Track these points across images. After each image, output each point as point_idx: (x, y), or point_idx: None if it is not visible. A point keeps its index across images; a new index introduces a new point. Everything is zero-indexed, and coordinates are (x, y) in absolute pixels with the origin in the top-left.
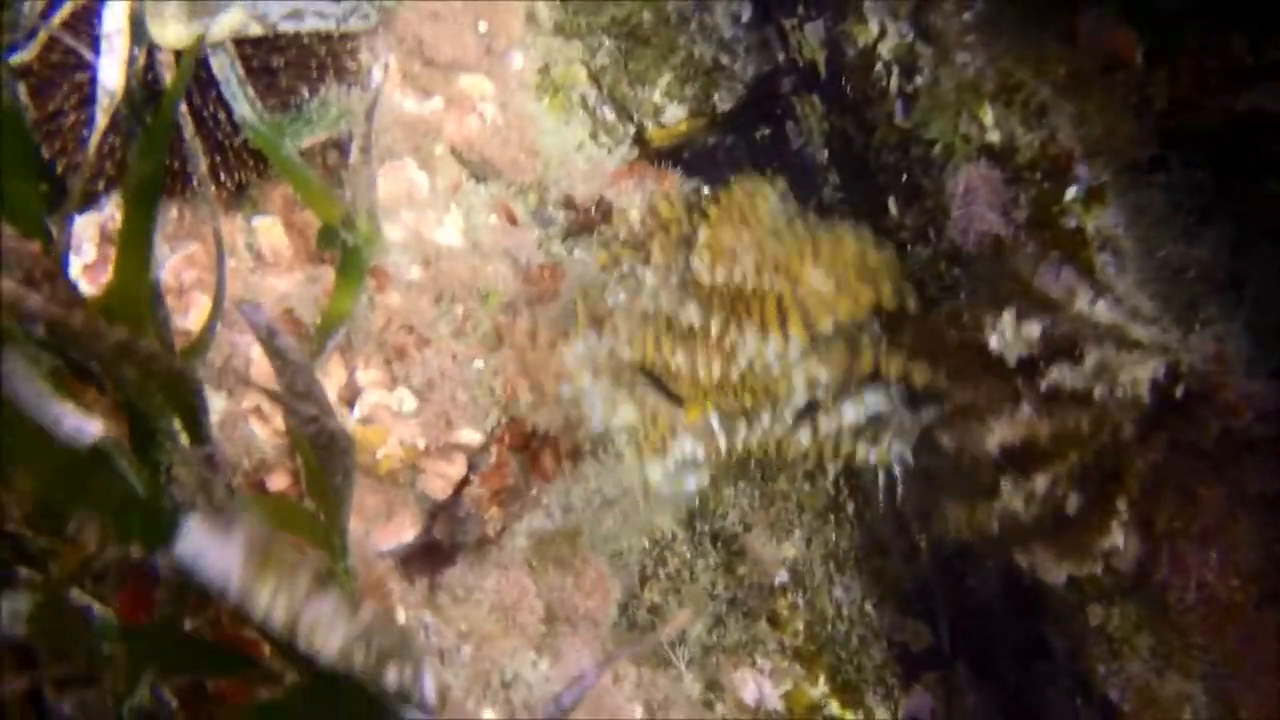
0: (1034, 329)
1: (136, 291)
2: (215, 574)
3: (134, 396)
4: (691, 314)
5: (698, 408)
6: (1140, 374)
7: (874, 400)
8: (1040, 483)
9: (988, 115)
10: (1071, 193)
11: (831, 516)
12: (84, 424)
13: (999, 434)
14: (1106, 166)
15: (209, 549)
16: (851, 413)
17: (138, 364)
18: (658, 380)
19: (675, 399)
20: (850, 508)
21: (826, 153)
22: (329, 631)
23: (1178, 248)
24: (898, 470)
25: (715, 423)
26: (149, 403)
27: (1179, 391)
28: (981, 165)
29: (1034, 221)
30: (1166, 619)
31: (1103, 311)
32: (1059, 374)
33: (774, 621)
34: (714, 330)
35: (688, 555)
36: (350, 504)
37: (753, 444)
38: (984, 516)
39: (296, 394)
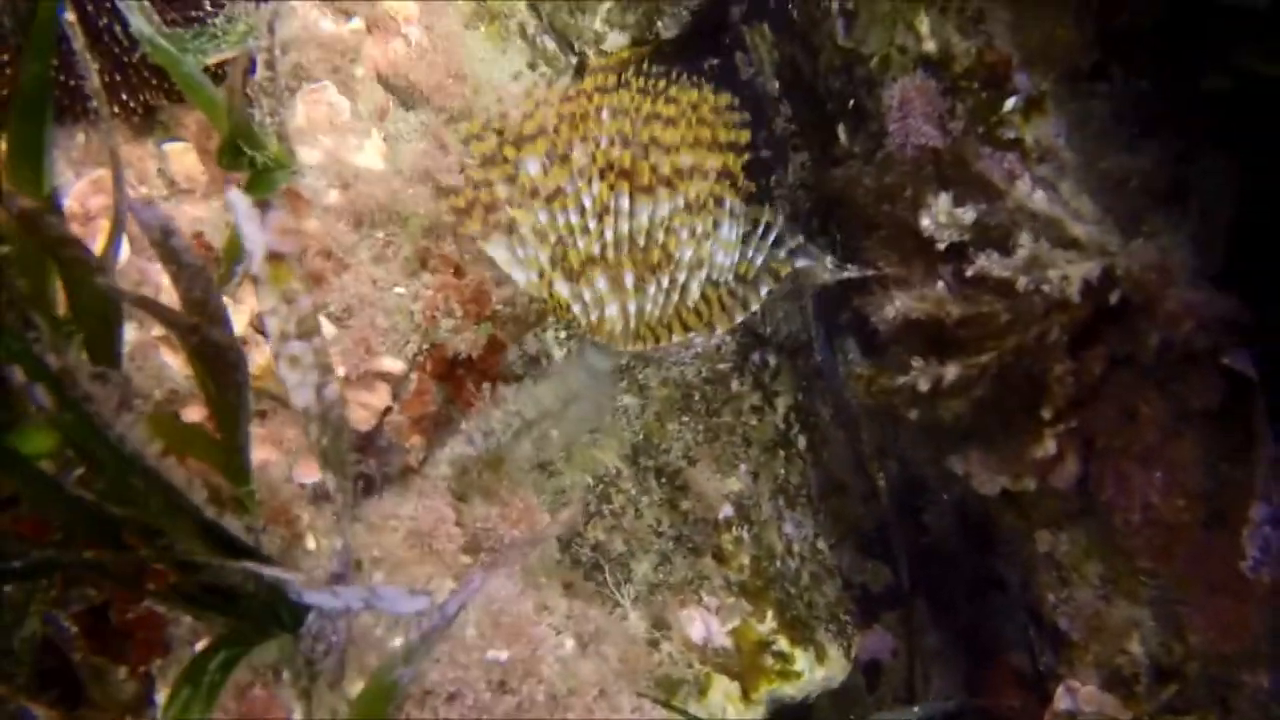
0: (968, 214)
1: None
2: None
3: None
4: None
5: (615, 269)
6: (1073, 272)
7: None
8: (951, 371)
9: (923, 24)
10: (1010, 103)
11: (781, 452)
12: None
13: (900, 304)
14: (1046, 75)
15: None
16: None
17: (45, 244)
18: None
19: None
20: (802, 442)
21: (777, 83)
22: None
23: (1120, 159)
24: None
25: (629, 279)
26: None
27: (1114, 297)
28: (917, 77)
29: (971, 132)
30: (1113, 543)
31: (1041, 202)
32: (986, 261)
33: (719, 557)
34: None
35: (632, 491)
36: (248, 423)
37: (657, 308)
38: (885, 385)
39: (193, 301)
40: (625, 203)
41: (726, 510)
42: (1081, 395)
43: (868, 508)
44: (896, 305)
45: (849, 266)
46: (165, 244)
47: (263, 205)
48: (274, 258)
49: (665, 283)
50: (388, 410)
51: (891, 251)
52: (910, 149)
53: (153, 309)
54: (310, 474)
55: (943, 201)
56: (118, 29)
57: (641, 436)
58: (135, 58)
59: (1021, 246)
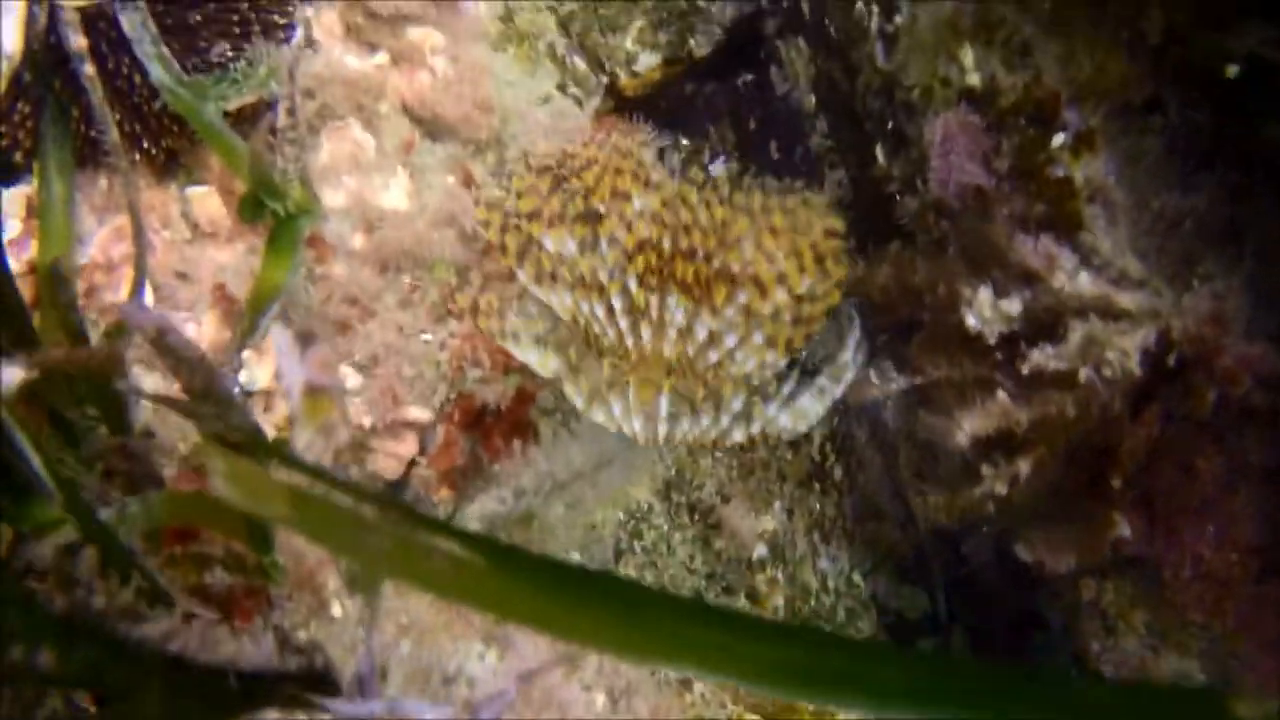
0: (1013, 305)
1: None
2: None
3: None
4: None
5: (650, 389)
6: (1129, 345)
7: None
8: (1024, 466)
9: (967, 56)
10: (1059, 139)
11: (816, 485)
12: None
13: (969, 427)
14: (1096, 109)
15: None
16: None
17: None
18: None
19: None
20: (838, 473)
21: (813, 98)
22: None
23: (1173, 197)
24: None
25: (664, 407)
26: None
27: (1172, 360)
28: (961, 111)
29: (1018, 171)
30: (1162, 595)
31: (1086, 282)
32: (1041, 355)
33: (753, 597)
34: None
35: (664, 528)
36: None
37: (690, 438)
38: (964, 502)
39: (194, 393)
40: (676, 313)
41: (760, 550)
42: (1144, 460)
43: (904, 534)
44: (965, 430)
45: (897, 377)
46: (162, 342)
47: (306, 339)
48: (313, 392)
49: (705, 422)
50: (415, 460)
51: (937, 354)
52: (953, 187)
53: (173, 406)
54: None
55: (983, 295)
56: (137, 78)
57: (674, 471)
58: (156, 106)
59: (1074, 331)
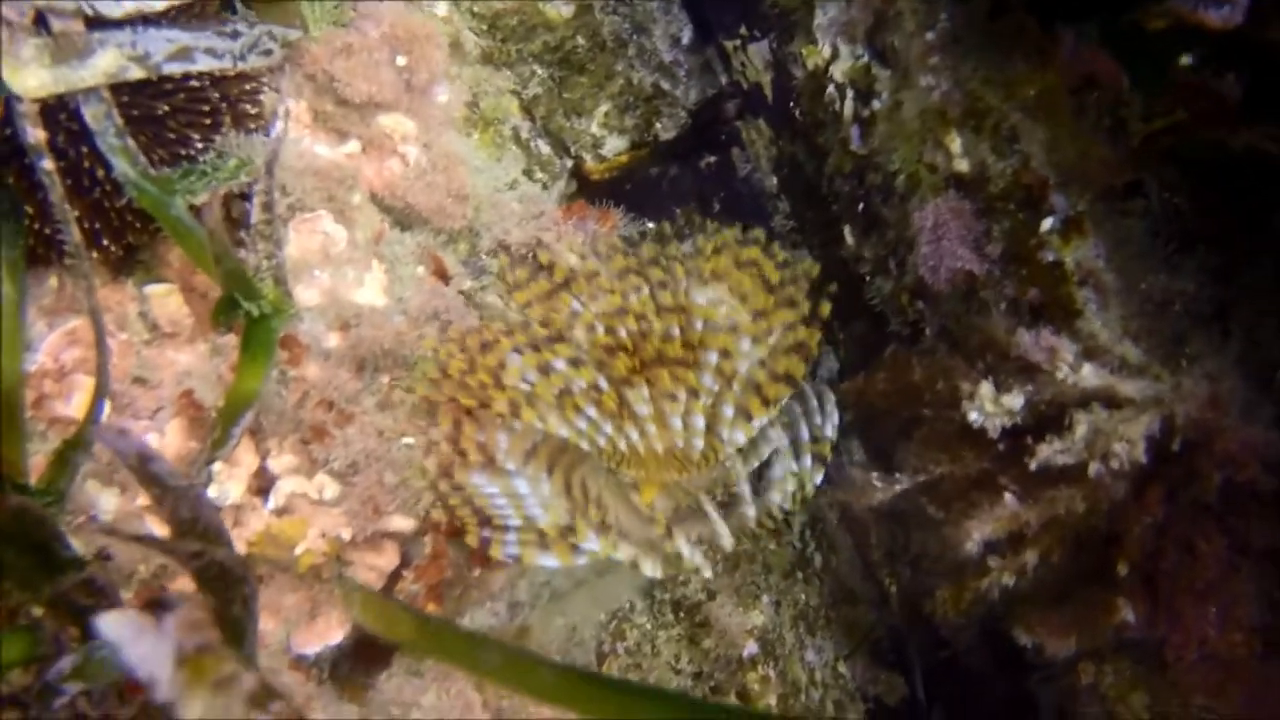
0: (1016, 399)
1: (8, 378)
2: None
3: None
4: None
5: (651, 489)
6: (1134, 434)
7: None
8: (1031, 557)
9: (955, 142)
10: (1048, 224)
11: (799, 574)
12: None
13: (979, 535)
14: (1083, 195)
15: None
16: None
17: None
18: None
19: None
20: (818, 560)
21: (775, 179)
22: None
23: (1160, 279)
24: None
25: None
26: None
27: (1176, 444)
28: (951, 197)
29: (1010, 256)
30: (1164, 677)
31: (1089, 375)
32: (1049, 450)
33: (744, 695)
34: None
35: (648, 627)
36: (255, 632)
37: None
38: (972, 595)
39: (183, 522)
40: (642, 409)
41: (751, 648)
42: (1149, 542)
43: (880, 616)
44: (975, 538)
45: (899, 477)
46: (144, 470)
47: (159, 606)
48: (191, 659)
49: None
50: (399, 572)
51: (939, 450)
52: (944, 272)
53: (153, 545)
54: (308, 644)
55: (985, 390)
56: (100, 172)
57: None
58: (119, 202)
59: (1079, 423)
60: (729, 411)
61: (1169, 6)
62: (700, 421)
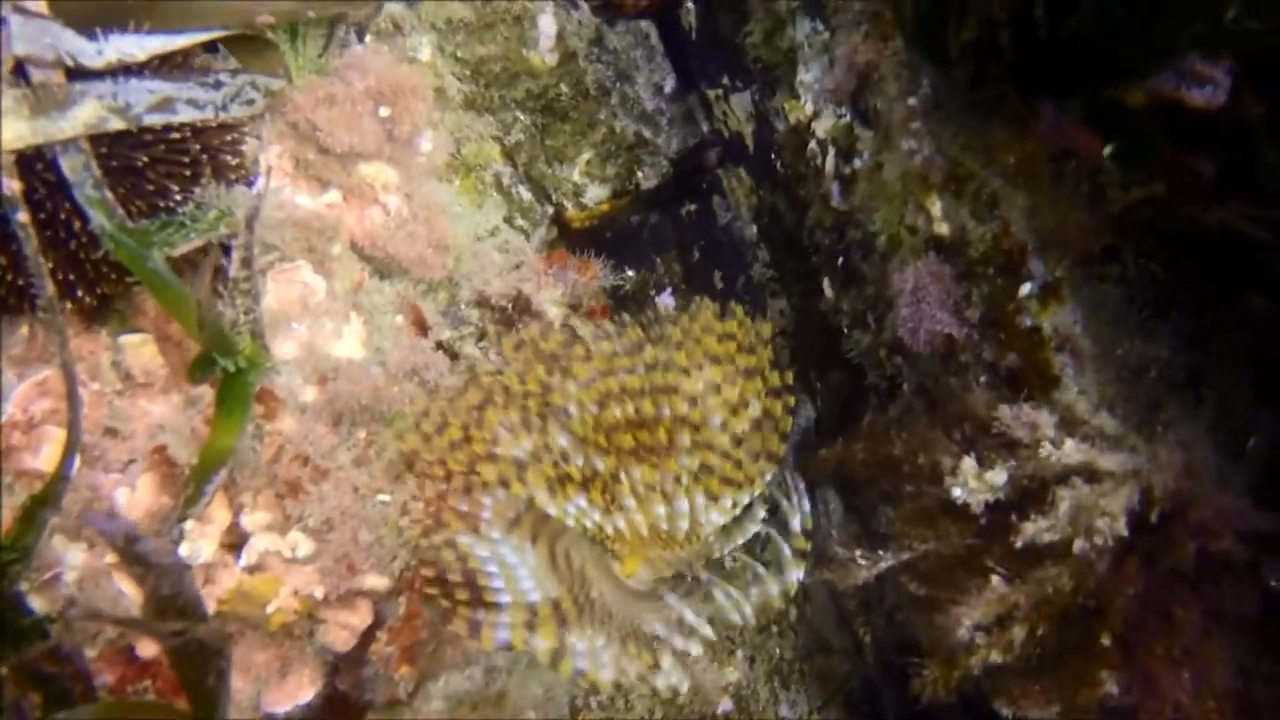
0: (999, 476)
1: None
2: None
3: None
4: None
5: (634, 561)
6: (1115, 508)
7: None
8: (1019, 633)
9: (935, 206)
10: (1026, 289)
11: (774, 627)
12: None
13: (969, 621)
14: (1060, 260)
15: None
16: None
17: None
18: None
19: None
20: (793, 612)
21: (755, 228)
22: None
23: (1135, 345)
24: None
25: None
26: None
27: (1154, 516)
28: (931, 260)
29: (988, 320)
30: None
31: (1071, 450)
32: (1034, 529)
33: None
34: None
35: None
36: (227, 702)
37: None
38: (961, 673)
39: (164, 599)
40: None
41: (726, 705)
42: (1132, 613)
43: (854, 665)
44: (966, 625)
45: (883, 554)
46: (131, 551)
47: None
48: None
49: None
50: (372, 631)
51: (921, 525)
52: (924, 335)
53: (136, 626)
54: (279, 703)
55: (968, 466)
56: (76, 224)
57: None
58: (96, 254)
59: (1062, 500)
60: (705, 496)
61: (1151, 85)
62: (684, 505)
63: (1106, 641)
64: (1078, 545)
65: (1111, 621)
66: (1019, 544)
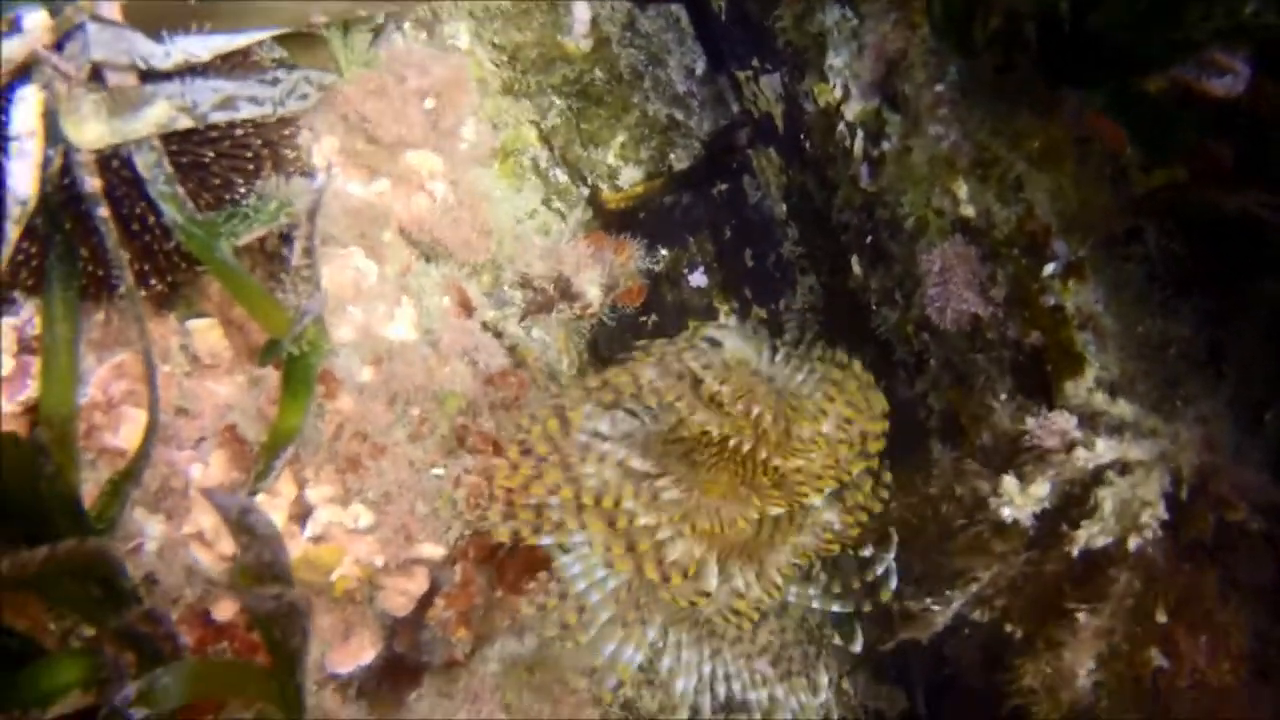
0: (1042, 487)
1: (63, 412)
2: None
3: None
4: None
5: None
6: (1151, 495)
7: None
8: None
9: (962, 189)
10: (1050, 269)
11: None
12: None
13: (1082, 670)
14: (1084, 241)
15: None
16: None
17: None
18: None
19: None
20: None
21: (785, 206)
22: None
23: (1156, 323)
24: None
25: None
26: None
27: (1184, 494)
28: (957, 242)
29: (1013, 300)
30: (1157, 703)
31: (1105, 451)
32: (1085, 534)
33: None
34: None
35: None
36: (307, 661)
37: None
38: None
39: (260, 564)
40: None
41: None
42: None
43: (883, 631)
44: (1082, 673)
45: (952, 595)
46: (242, 522)
47: None
48: None
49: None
50: (429, 598)
51: (979, 554)
52: (950, 314)
53: (240, 594)
54: (342, 664)
55: (1009, 484)
56: (150, 218)
57: None
58: (169, 245)
59: (1105, 500)
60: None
61: (1173, 74)
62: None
63: (1162, 619)
64: (1133, 543)
65: (1166, 599)
66: (1074, 552)
